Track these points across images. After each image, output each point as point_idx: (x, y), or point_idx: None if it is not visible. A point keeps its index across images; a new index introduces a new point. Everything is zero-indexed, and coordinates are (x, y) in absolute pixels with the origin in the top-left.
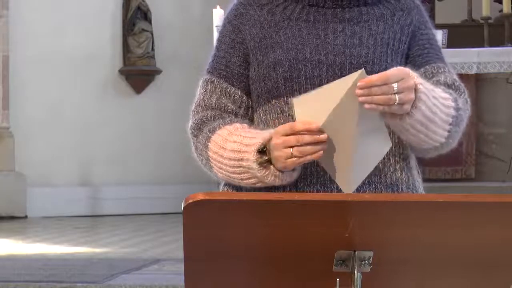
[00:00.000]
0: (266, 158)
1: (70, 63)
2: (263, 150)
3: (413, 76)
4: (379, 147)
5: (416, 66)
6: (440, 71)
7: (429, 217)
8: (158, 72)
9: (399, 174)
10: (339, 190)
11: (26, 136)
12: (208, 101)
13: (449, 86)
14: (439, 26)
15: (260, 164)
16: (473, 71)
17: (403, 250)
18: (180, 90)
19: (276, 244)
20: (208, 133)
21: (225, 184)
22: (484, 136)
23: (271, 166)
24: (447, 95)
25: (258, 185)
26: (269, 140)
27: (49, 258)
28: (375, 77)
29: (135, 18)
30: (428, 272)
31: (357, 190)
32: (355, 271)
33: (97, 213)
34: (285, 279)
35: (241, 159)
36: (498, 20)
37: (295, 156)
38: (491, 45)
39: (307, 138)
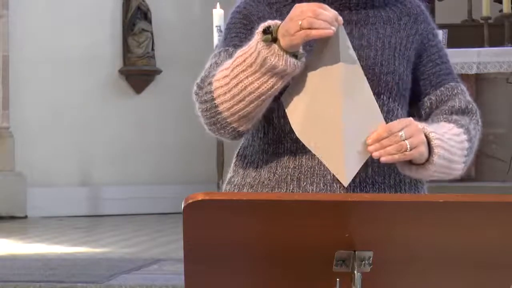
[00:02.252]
0: (271, 36)
1: (70, 63)
2: (268, 31)
3: (417, 123)
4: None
5: (431, 86)
6: (454, 93)
7: (429, 217)
8: (158, 72)
9: (402, 175)
10: (342, 189)
11: (26, 136)
12: (221, 62)
13: (462, 111)
14: (439, 26)
15: (265, 41)
16: (473, 71)
17: (403, 250)
18: (180, 90)
19: (276, 244)
20: (214, 73)
21: (228, 183)
22: (484, 136)
23: (275, 45)
24: (459, 130)
25: (262, 87)
26: (275, 24)
27: (49, 258)
28: (380, 130)
29: (135, 18)
30: (428, 272)
31: (361, 190)
32: (355, 271)
33: (97, 213)
34: (285, 279)
35: (244, 60)
36: (498, 20)
37: (303, 28)
38: (491, 45)
39: (325, 13)
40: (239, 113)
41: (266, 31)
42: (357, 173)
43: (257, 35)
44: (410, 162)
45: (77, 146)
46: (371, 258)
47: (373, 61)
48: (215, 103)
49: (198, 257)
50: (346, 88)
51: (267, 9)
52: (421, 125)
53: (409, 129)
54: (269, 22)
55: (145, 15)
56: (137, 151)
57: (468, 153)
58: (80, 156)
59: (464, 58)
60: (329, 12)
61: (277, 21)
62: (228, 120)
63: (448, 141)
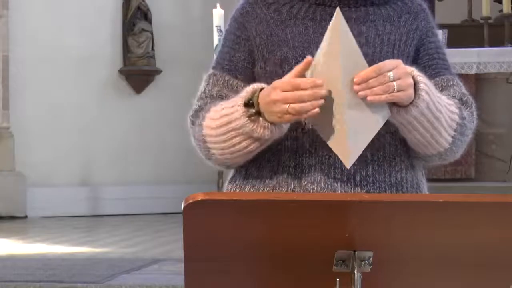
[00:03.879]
0: (254, 110)
1: (70, 63)
2: (249, 103)
3: (406, 66)
4: (376, 115)
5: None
6: (449, 84)
7: (429, 217)
8: (158, 72)
9: (404, 174)
10: (343, 188)
11: (26, 136)
12: (209, 92)
13: (458, 100)
14: (439, 26)
15: (249, 117)
16: (473, 71)
17: (403, 250)
18: (180, 90)
19: (276, 244)
20: (204, 114)
21: (230, 182)
22: (484, 136)
23: (260, 118)
24: (451, 102)
25: (250, 147)
26: (253, 92)
27: (49, 258)
28: (368, 70)
29: (135, 18)
30: (428, 272)
31: (361, 189)
32: (355, 271)
33: (97, 213)
34: (285, 279)
35: (230, 122)
36: (498, 20)
37: (291, 113)
38: (491, 45)
39: (306, 94)
40: (231, 160)
41: (247, 103)
42: (358, 172)
43: (240, 108)
44: (393, 103)
45: (77, 146)
46: (371, 258)
47: (372, 58)
48: (207, 146)
49: (198, 257)
50: (348, 72)
51: (264, 10)
52: (410, 68)
53: (397, 70)
54: (248, 92)
55: (145, 15)
56: (137, 151)
57: (458, 130)
58: (80, 156)
59: (464, 58)
60: (307, 86)
61: (255, 87)
62: (221, 160)
63: (435, 96)
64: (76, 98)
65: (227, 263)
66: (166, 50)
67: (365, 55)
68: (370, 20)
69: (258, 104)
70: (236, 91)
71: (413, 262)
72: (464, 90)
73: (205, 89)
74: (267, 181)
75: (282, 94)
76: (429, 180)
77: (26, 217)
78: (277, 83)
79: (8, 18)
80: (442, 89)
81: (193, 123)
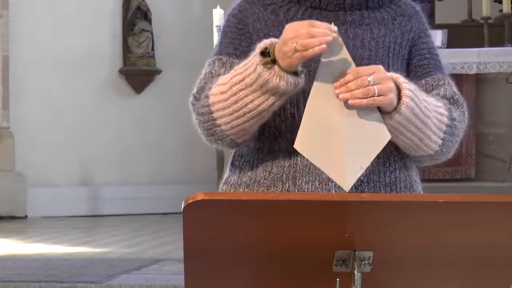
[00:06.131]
0: (270, 58)
1: (70, 63)
2: (266, 52)
3: (386, 72)
4: (376, 138)
5: (417, 77)
6: (440, 83)
7: (429, 217)
8: (158, 72)
9: (397, 173)
10: (338, 188)
11: (26, 136)
12: (216, 72)
13: (448, 99)
14: (439, 26)
15: (265, 65)
16: (473, 71)
17: (403, 250)
18: (180, 90)
19: (276, 244)
20: (211, 86)
21: (225, 183)
22: (484, 136)
23: (275, 66)
24: (440, 104)
25: (263, 105)
26: (271, 43)
27: (49, 258)
28: (347, 73)
29: (135, 18)
30: (428, 272)
31: (356, 189)
32: (355, 271)
33: (97, 213)
34: (285, 279)
35: (243, 79)
36: (498, 20)
37: (298, 50)
38: (491, 45)
39: (317, 31)
40: (239, 127)
41: (263, 52)
42: None
43: (255, 57)
44: (378, 109)
45: (77, 146)
46: (371, 258)
47: (368, 61)
48: (213, 116)
49: (198, 257)
50: None
51: (262, 11)
52: (394, 75)
53: (377, 75)
54: (266, 43)
55: (145, 15)
56: (137, 151)
57: (448, 132)
58: (80, 156)
59: (464, 58)
60: (321, 28)
61: (273, 40)
62: (226, 133)
63: (422, 100)
64: (76, 98)
65: (227, 263)
66: (166, 50)
67: (361, 58)
68: (365, 23)
69: (274, 53)
70: None
71: (413, 262)
72: (455, 89)
73: (210, 70)
74: (261, 181)
75: (295, 32)
76: (430, 180)
77: (26, 217)
78: (291, 23)
79: (8, 18)
80: (432, 88)
81: (196, 99)
